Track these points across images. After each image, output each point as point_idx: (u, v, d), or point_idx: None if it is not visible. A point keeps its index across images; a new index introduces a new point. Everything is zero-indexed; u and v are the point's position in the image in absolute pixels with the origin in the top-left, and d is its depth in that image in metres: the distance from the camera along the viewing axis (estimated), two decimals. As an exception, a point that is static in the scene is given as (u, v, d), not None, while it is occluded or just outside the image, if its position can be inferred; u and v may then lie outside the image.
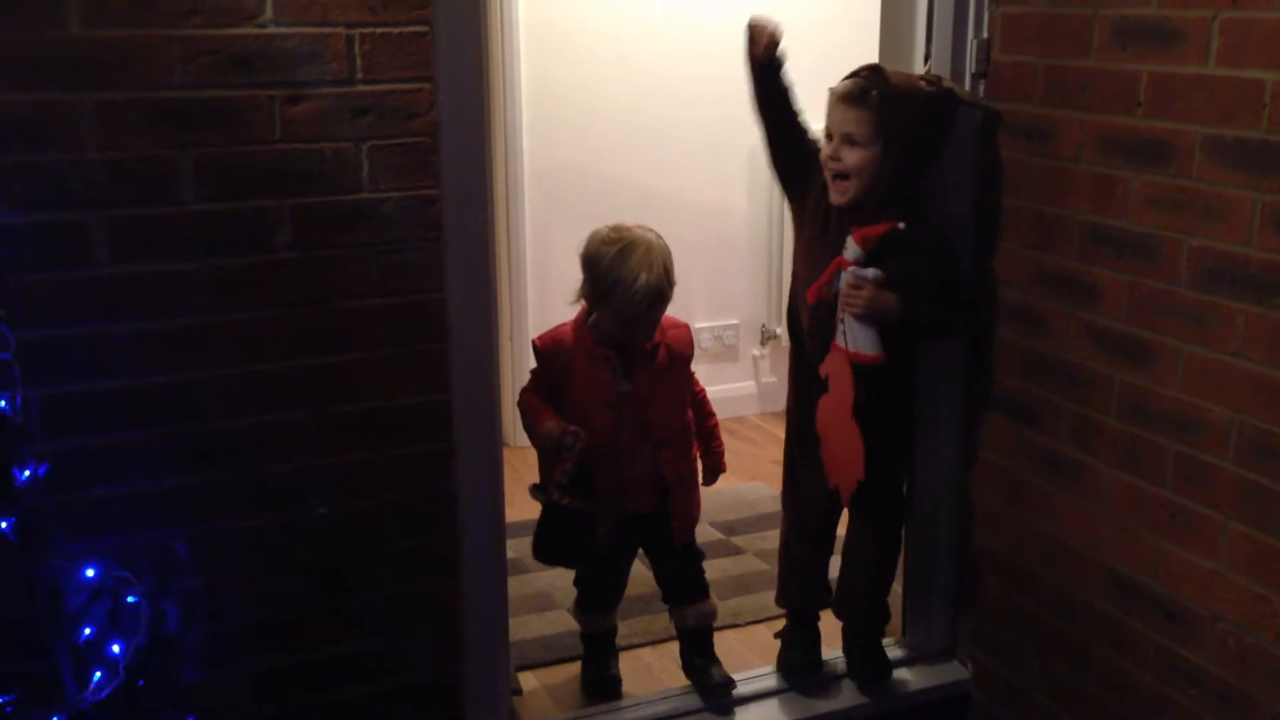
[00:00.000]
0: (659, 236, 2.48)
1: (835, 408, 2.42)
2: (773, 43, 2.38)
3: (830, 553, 2.76)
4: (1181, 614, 2.18)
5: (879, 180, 2.35)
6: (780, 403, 4.44)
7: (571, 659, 2.85)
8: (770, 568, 3.32)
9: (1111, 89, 2.20)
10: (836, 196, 2.39)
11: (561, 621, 3.04)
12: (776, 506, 3.62)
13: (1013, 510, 2.56)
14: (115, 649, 1.72)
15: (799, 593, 2.77)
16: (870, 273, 2.32)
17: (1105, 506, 2.32)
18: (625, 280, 2.38)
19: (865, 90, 2.33)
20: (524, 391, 2.52)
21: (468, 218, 2.19)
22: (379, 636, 2.28)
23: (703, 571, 2.71)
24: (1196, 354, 2.10)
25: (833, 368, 2.41)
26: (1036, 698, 2.56)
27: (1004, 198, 2.49)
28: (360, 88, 2.03)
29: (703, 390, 2.69)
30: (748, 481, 3.95)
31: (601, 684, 2.74)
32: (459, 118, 2.14)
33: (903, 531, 2.74)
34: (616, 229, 2.48)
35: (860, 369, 2.37)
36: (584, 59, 4.10)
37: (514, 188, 4.03)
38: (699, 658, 2.69)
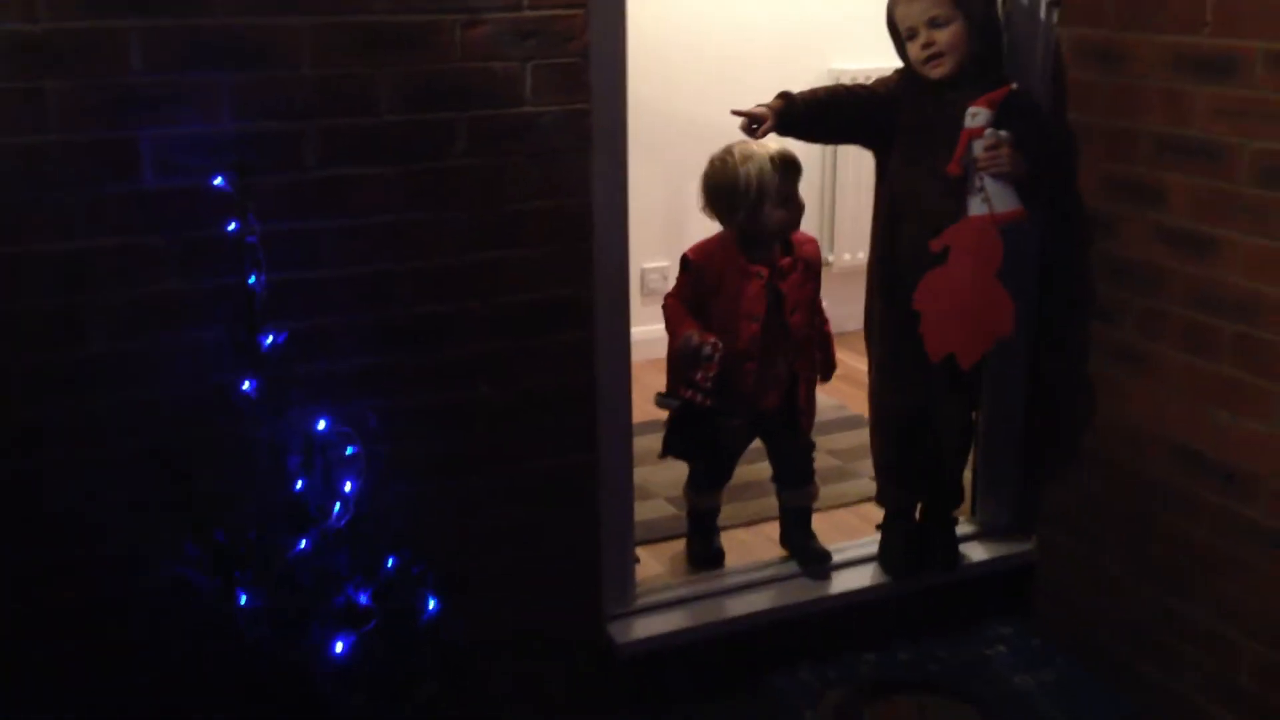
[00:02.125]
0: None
1: (966, 274, 2.64)
2: (765, 123, 2.68)
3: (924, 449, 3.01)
4: (1239, 476, 2.48)
5: (970, 51, 2.62)
6: (840, 325, 4.74)
7: (671, 538, 3.18)
8: (843, 464, 3.66)
9: (1181, 11, 2.48)
10: (938, 70, 2.64)
11: (657, 509, 3.36)
12: (838, 415, 3.96)
13: (1085, 395, 2.85)
14: (347, 487, 2.01)
15: (900, 493, 3.03)
16: (1004, 133, 2.57)
17: (1170, 387, 2.62)
18: (762, 167, 2.71)
19: None
20: (669, 296, 2.81)
21: (610, 131, 2.47)
22: (532, 506, 2.58)
23: (813, 460, 3.03)
24: (1256, 244, 2.39)
25: (963, 237, 2.63)
26: (1102, 563, 2.87)
27: (1077, 114, 2.76)
28: (527, 13, 2.31)
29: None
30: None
31: (707, 556, 3.06)
32: (606, 41, 2.42)
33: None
34: (724, 150, 2.80)
35: (1003, 230, 2.62)
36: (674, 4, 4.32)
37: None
38: (800, 533, 3.01)
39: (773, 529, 3.18)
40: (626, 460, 2.72)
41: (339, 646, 1.96)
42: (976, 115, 2.58)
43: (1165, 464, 2.66)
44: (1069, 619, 2.98)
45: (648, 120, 4.22)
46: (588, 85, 2.40)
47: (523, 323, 2.47)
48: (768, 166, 2.72)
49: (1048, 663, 2.94)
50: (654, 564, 3.06)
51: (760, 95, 4.42)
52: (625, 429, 2.69)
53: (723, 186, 2.76)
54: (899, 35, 2.72)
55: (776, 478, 3.06)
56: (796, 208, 2.79)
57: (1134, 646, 2.79)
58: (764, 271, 2.78)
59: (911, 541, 3.02)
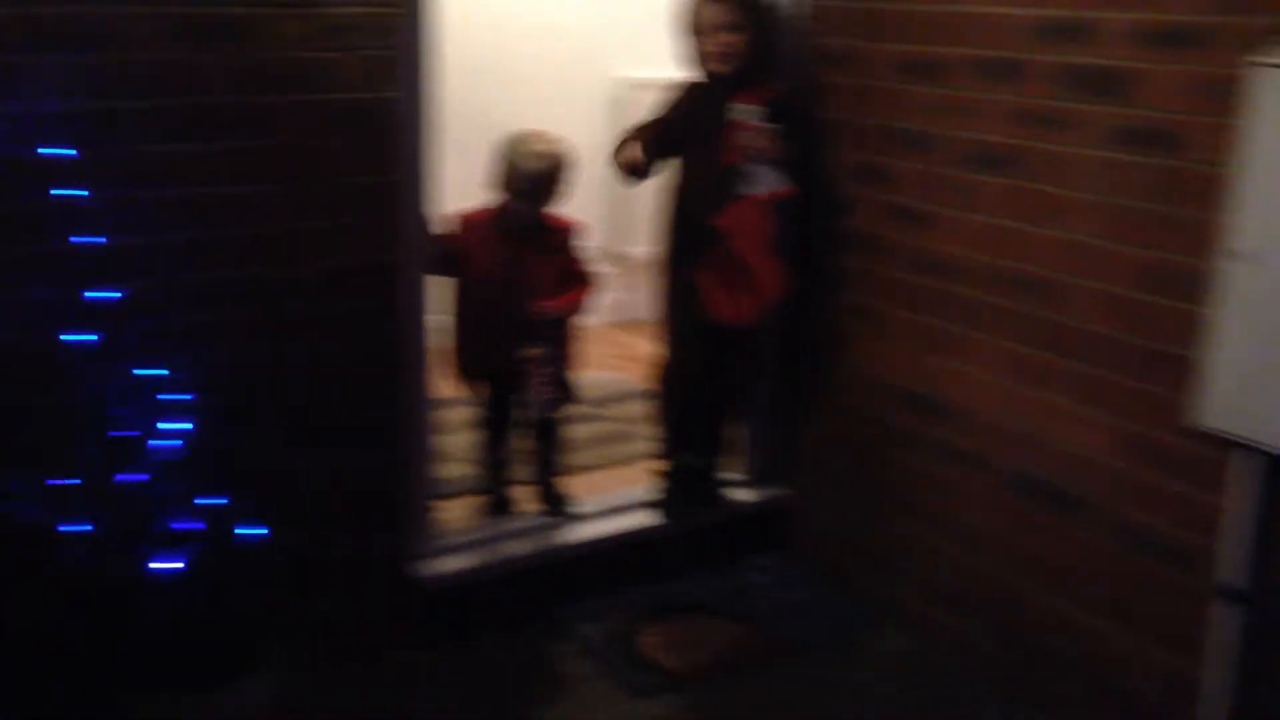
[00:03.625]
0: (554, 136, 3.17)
1: (745, 248, 3.07)
2: (635, 166, 3.13)
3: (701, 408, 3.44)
4: (949, 409, 2.97)
5: (750, 57, 3.07)
6: (623, 314, 5.15)
7: (467, 493, 3.51)
8: (626, 428, 4.07)
9: (901, 24, 2.97)
10: (722, 67, 3.08)
11: (455, 470, 3.68)
12: (622, 388, 4.38)
13: (830, 351, 3.32)
14: (184, 427, 2.31)
15: (679, 446, 3.44)
16: (770, 125, 3.01)
17: (895, 340, 3.11)
18: (519, 157, 3.11)
19: None
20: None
21: (417, 117, 2.80)
22: (342, 453, 2.87)
23: (557, 421, 3.41)
24: (961, 217, 2.89)
25: (738, 217, 3.06)
26: (844, 497, 3.34)
27: (828, 111, 3.24)
28: (348, 10, 2.64)
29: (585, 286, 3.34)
30: (599, 372, 4.66)
31: (501, 507, 3.41)
32: (416, 39, 2.76)
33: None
34: (519, 130, 3.20)
35: (774, 206, 3.05)
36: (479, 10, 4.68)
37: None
38: (546, 482, 3.41)
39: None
40: (423, 415, 3.01)
41: (172, 563, 2.23)
42: (745, 111, 3.02)
43: (891, 405, 3.14)
44: (819, 548, 3.44)
45: (455, 115, 4.60)
46: (399, 76, 2.74)
47: (337, 285, 2.77)
48: (523, 159, 3.12)
49: (800, 585, 3.38)
50: (454, 514, 3.38)
51: (550, 97, 4.83)
52: (421, 385, 2.98)
53: (500, 165, 3.17)
54: (692, 31, 3.13)
55: (530, 433, 3.41)
56: (532, 206, 3.16)
57: (872, 564, 3.25)
58: (510, 245, 3.17)
59: (685, 486, 3.42)
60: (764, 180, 3.06)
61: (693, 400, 3.40)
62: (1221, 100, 2.28)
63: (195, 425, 2.45)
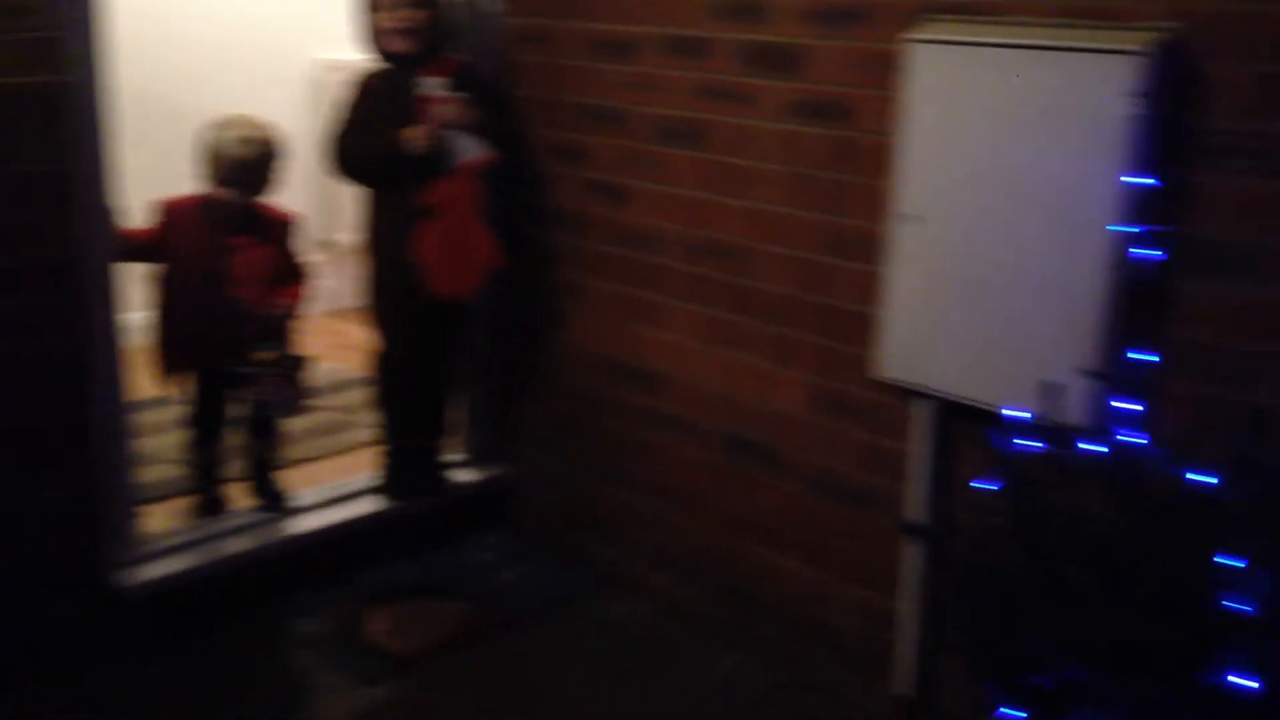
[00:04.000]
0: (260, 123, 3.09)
1: (457, 220, 3.07)
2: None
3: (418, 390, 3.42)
4: (655, 379, 3.07)
5: (431, 34, 3.07)
6: (337, 302, 5.05)
7: (173, 495, 3.39)
8: (345, 417, 4.00)
9: (593, 2, 3.04)
10: (403, 44, 3.06)
11: (160, 472, 3.55)
12: (340, 377, 4.30)
13: (542, 328, 3.37)
14: None
15: (398, 430, 3.41)
16: (458, 93, 3.01)
17: (600, 312, 3.18)
18: (220, 143, 3.02)
19: None
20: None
21: (89, 102, 2.65)
22: (29, 461, 2.71)
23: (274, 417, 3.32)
24: (655, 190, 2.99)
25: (446, 191, 3.05)
26: (561, 470, 3.40)
27: (523, 90, 3.27)
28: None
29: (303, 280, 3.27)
30: (322, 362, 4.56)
31: (213, 506, 3.30)
32: (84, 18, 2.61)
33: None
34: (224, 117, 3.10)
35: (480, 175, 3.05)
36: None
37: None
38: (262, 478, 3.33)
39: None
40: (119, 418, 2.86)
41: None
42: (431, 84, 3.03)
43: (601, 376, 3.22)
44: (542, 522, 3.49)
45: (137, 103, 4.39)
46: (68, 59, 2.59)
47: (5, 285, 2.60)
48: (228, 145, 3.04)
49: (527, 559, 3.43)
50: (163, 519, 3.25)
51: (245, 84, 4.68)
52: (116, 387, 2.83)
53: (204, 153, 3.07)
54: (372, 7, 3.10)
55: (243, 429, 3.32)
56: (237, 194, 3.08)
57: (592, 533, 3.33)
58: (218, 234, 3.07)
59: (407, 470, 3.40)
60: (467, 149, 3.07)
61: (410, 383, 3.37)
62: (884, 74, 2.44)
63: None
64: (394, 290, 3.24)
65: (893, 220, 2.40)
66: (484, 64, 3.29)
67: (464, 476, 3.55)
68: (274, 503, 3.27)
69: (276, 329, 3.13)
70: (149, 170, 3.10)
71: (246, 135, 3.06)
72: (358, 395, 4.05)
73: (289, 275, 3.20)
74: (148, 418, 3.75)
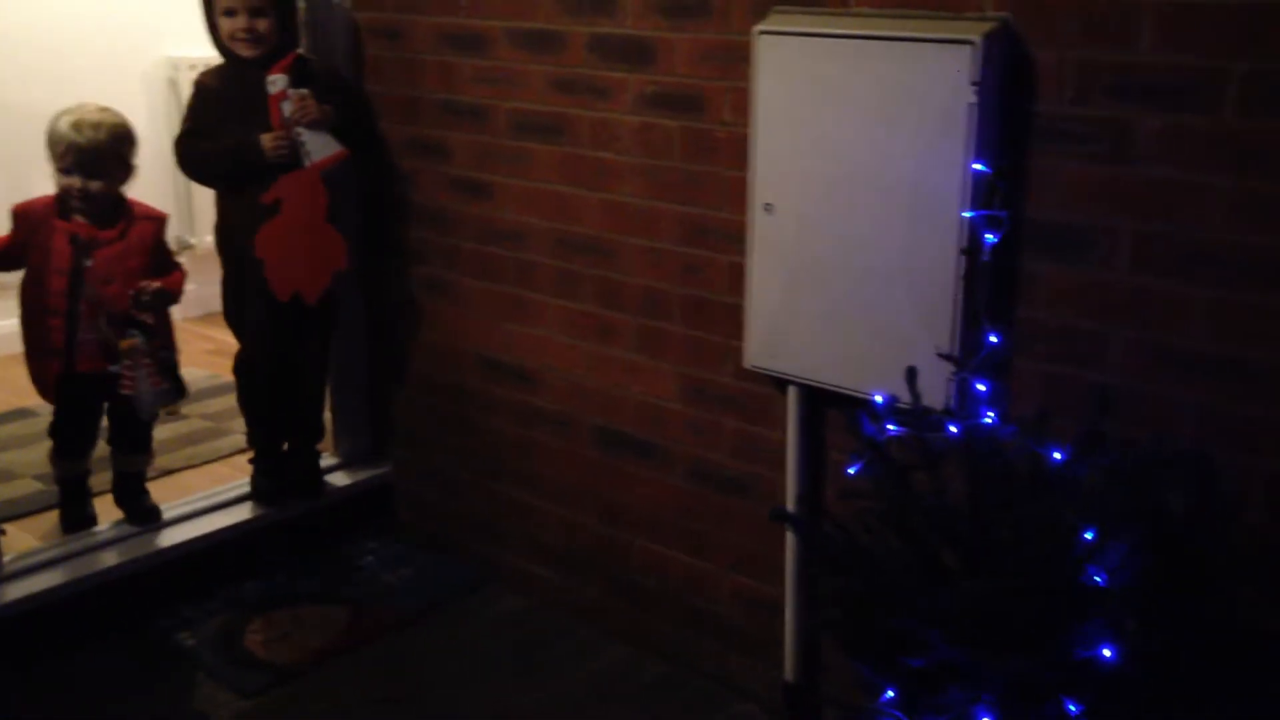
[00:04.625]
0: (109, 109, 3.00)
1: (300, 220, 3.04)
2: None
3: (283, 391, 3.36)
4: (529, 374, 3.07)
5: (276, 38, 3.02)
6: (200, 307, 4.93)
7: (41, 510, 3.30)
8: (215, 425, 3.92)
9: (442, -3, 3.01)
10: (249, 50, 3.01)
11: (25, 486, 3.45)
12: (210, 384, 4.21)
13: (410, 327, 3.33)
14: None
15: (265, 433, 3.36)
16: (304, 91, 2.98)
17: (470, 309, 3.16)
18: (57, 129, 2.93)
19: None
20: None
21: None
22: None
23: (149, 429, 3.23)
24: (517, 184, 2.97)
25: (289, 189, 3.01)
26: (441, 467, 3.38)
27: (376, 85, 3.22)
28: None
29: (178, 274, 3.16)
30: (184, 369, 4.44)
31: (80, 521, 3.20)
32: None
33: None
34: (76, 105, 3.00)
35: (326, 175, 3.02)
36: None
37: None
38: (131, 494, 3.24)
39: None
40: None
41: None
42: (275, 81, 2.98)
43: (474, 374, 3.20)
44: (424, 522, 3.47)
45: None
46: None
47: None
48: (64, 129, 2.94)
49: (409, 561, 3.40)
50: (27, 536, 3.15)
51: (93, 82, 4.52)
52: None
53: (51, 145, 2.97)
54: (218, 12, 3.03)
55: (111, 440, 3.22)
56: (83, 182, 2.96)
57: (472, 530, 3.32)
58: (76, 231, 2.96)
59: (278, 475, 3.35)
60: (316, 147, 3.02)
61: (270, 385, 3.31)
62: (735, 65, 2.46)
63: None
64: (245, 290, 3.18)
65: (750, 210, 2.43)
66: (331, 58, 3.23)
67: (340, 479, 3.51)
68: (145, 517, 3.19)
69: (141, 315, 3.00)
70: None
71: (85, 119, 2.95)
72: (227, 402, 3.97)
73: (160, 272, 3.08)
74: (8, 430, 3.64)
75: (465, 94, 3.02)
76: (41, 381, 3.09)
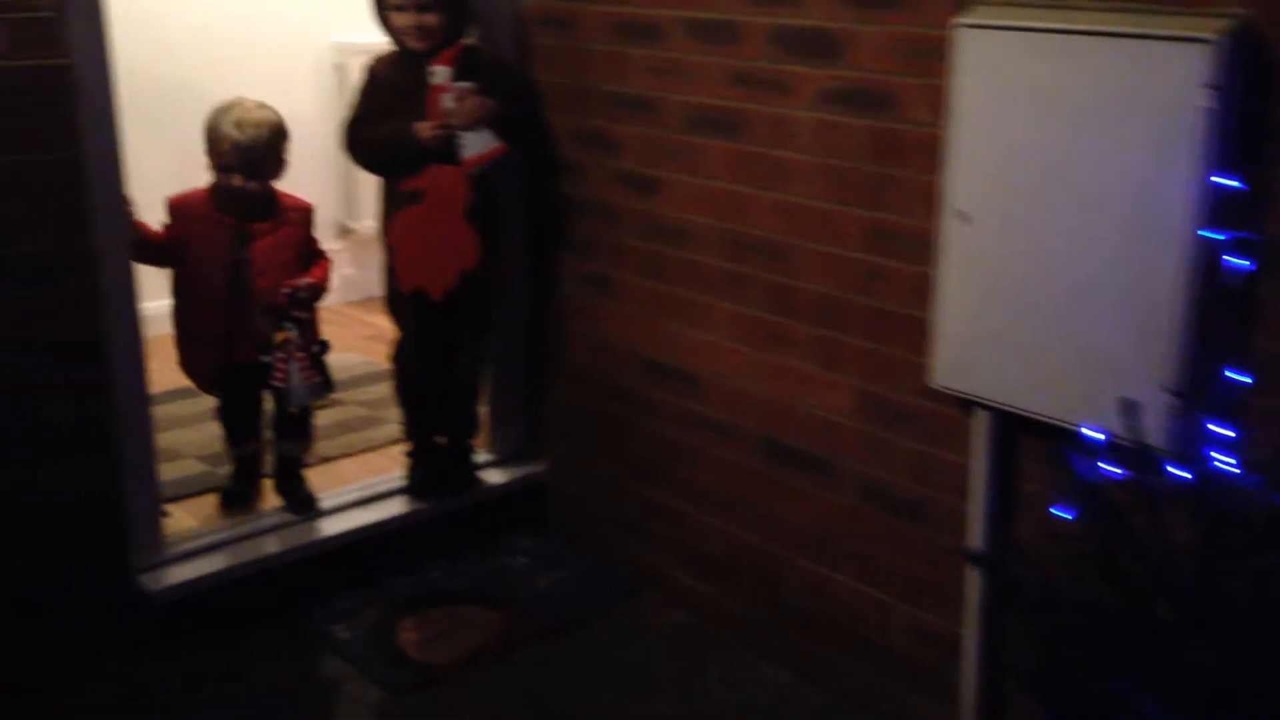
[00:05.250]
0: (266, 105, 2.99)
1: (438, 212, 2.96)
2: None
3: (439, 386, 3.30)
4: (695, 378, 2.94)
5: (447, 33, 2.95)
6: (359, 292, 4.95)
7: (203, 492, 3.30)
8: (371, 412, 3.89)
9: (615, -16, 2.89)
10: (420, 43, 2.95)
11: (190, 467, 3.46)
12: (367, 370, 4.19)
13: (572, 323, 3.24)
14: None
15: (420, 427, 3.30)
16: (467, 85, 2.90)
17: (633, 307, 3.05)
18: (221, 127, 2.91)
19: None
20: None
21: (96, 86, 2.56)
22: (46, 463, 2.63)
23: (308, 416, 3.23)
24: (686, 181, 2.84)
25: (434, 179, 2.94)
26: (597, 470, 3.29)
27: (544, 75, 3.13)
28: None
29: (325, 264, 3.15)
30: (342, 354, 4.44)
31: (242, 500, 3.22)
32: None
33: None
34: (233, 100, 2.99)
35: (477, 172, 2.94)
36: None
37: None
38: (288, 480, 3.22)
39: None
40: (142, 413, 2.79)
41: None
42: (437, 73, 2.91)
43: (635, 374, 3.09)
44: (578, 522, 3.38)
45: (146, 89, 4.28)
46: (66, 41, 2.47)
47: (12, 276, 2.51)
48: (227, 128, 2.93)
49: (561, 563, 3.32)
50: (188, 518, 3.16)
51: (262, 68, 4.55)
52: (138, 381, 2.76)
53: (208, 140, 2.96)
54: (386, 6, 2.98)
55: (274, 425, 3.22)
56: (245, 180, 2.96)
57: (628, 535, 3.22)
58: (234, 225, 2.97)
59: (433, 469, 3.30)
60: (474, 143, 2.94)
61: (427, 377, 3.26)
62: (930, 61, 2.28)
63: None
64: (396, 284, 3.13)
65: (944, 218, 2.25)
66: (500, 48, 3.15)
67: (494, 476, 3.44)
68: (303, 505, 3.17)
69: (296, 311, 3.00)
70: (162, 159, 3.00)
71: (247, 118, 2.95)
72: (383, 389, 3.94)
73: (308, 263, 3.08)
74: (172, 410, 3.66)
75: (635, 85, 2.91)
76: (197, 371, 3.11)
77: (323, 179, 4.85)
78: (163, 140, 4.05)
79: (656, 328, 3.00)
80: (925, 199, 2.34)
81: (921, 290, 2.37)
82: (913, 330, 2.42)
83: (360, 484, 3.30)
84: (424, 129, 2.92)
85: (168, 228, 2.96)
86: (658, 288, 2.97)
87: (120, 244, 2.67)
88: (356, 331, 4.69)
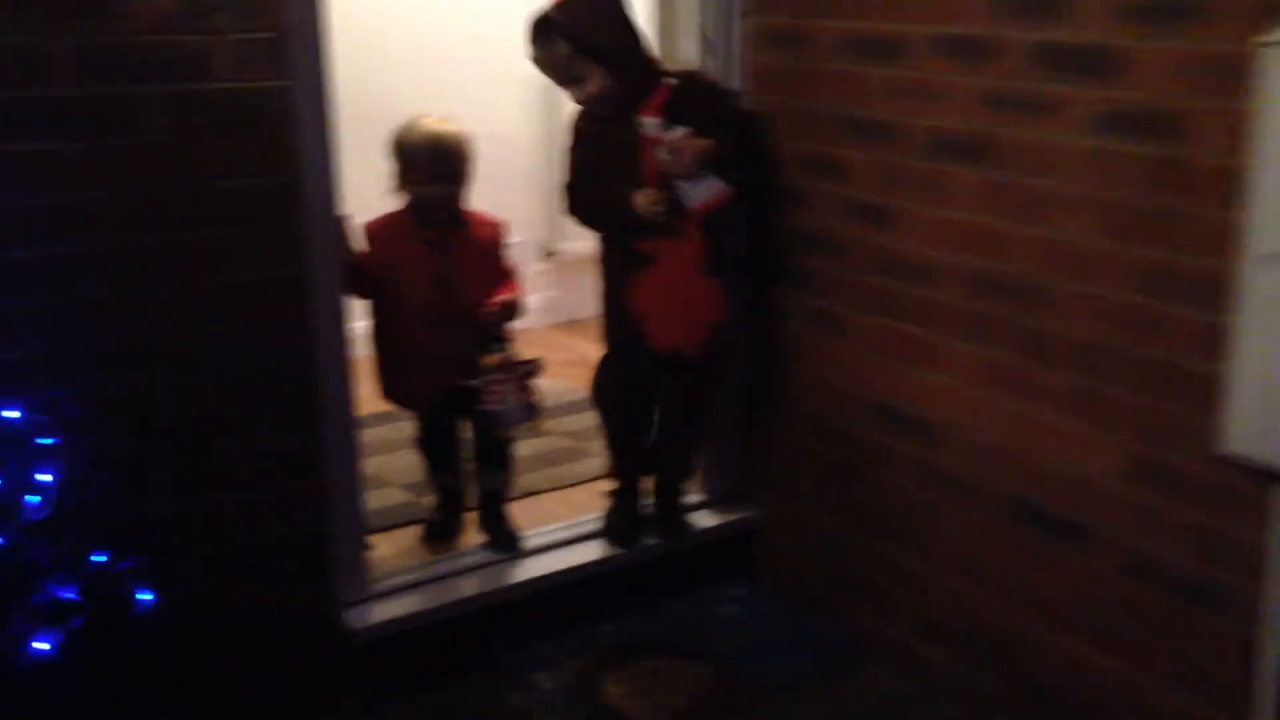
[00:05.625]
0: (451, 119, 2.89)
1: (676, 272, 2.82)
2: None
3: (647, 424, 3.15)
4: (932, 427, 2.69)
5: (622, 81, 2.75)
6: (563, 314, 4.85)
7: (408, 524, 3.21)
8: (576, 444, 3.75)
9: (852, -1, 2.68)
10: (601, 108, 2.79)
11: (395, 496, 3.38)
12: (571, 398, 4.06)
13: (794, 361, 3.03)
14: (46, 478, 1.95)
15: (625, 466, 3.14)
16: (679, 131, 2.71)
17: (864, 348, 2.82)
18: (413, 139, 2.82)
19: (545, 36, 2.76)
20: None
21: (315, 107, 2.47)
22: (252, 493, 2.56)
23: (508, 445, 3.09)
24: (929, 213, 2.60)
25: (667, 238, 2.79)
26: (815, 520, 3.06)
27: (769, 97, 2.94)
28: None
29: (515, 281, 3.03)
30: (543, 380, 4.32)
31: (444, 535, 3.12)
32: (305, 17, 2.43)
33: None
34: (413, 117, 2.90)
35: (705, 222, 2.78)
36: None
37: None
38: (490, 514, 3.09)
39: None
40: (350, 443, 2.71)
41: (42, 644, 1.90)
42: (648, 125, 2.73)
43: (864, 419, 2.86)
44: (793, 574, 3.16)
45: (357, 105, 4.26)
46: (286, 61, 2.40)
47: (227, 303, 2.45)
48: (419, 137, 2.84)
49: (776, 618, 3.10)
50: (390, 550, 3.07)
51: (469, 89, 4.48)
52: (347, 410, 2.68)
53: (395, 147, 2.88)
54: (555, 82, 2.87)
55: (475, 455, 3.11)
56: (443, 188, 2.86)
57: (851, 593, 2.98)
58: (435, 240, 2.88)
59: (633, 513, 3.13)
60: (693, 191, 2.76)
61: (637, 414, 3.10)
62: (1228, 82, 1.99)
63: (73, 471, 2.10)
64: (620, 327, 2.97)
65: (1245, 260, 1.96)
66: (723, 69, 2.97)
67: (704, 519, 3.25)
68: (506, 543, 3.04)
69: (498, 332, 2.90)
70: (377, 178, 2.92)
71: (438, 127, 2.86)
72: (585, 419, 3.80)
73: (499, 281, 2.97)
74: (379, 434, 3.60)
75: (872, 108, 2.68)
76: (406, 394, 3.03)
77: (527, 201, 4.77)
78: (376, 159, 4.03)
79: (889, 370, 2.77)
80: (1217, 238, 2.04)
81: (1209, 341, 2.08)
82: (1197, 387, 2.12)
83: (565, 523, 3.16)
84: (642, 203, 2.75)
85: (372, 252, 2.87)
86: (892, 327, 2.74)
87: (333, 270, 2.59)
88: (556, 356, 4.55)
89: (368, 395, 3.01)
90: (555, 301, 4.93)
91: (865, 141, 2.71)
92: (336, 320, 2.61)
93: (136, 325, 2.36)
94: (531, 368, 2.92)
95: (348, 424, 2.68)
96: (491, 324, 2.88)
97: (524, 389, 2.89)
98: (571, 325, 4.79)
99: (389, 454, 3.59)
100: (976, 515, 2.62)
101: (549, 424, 3.92)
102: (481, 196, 4.71)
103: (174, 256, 2.37)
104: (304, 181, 2.48)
